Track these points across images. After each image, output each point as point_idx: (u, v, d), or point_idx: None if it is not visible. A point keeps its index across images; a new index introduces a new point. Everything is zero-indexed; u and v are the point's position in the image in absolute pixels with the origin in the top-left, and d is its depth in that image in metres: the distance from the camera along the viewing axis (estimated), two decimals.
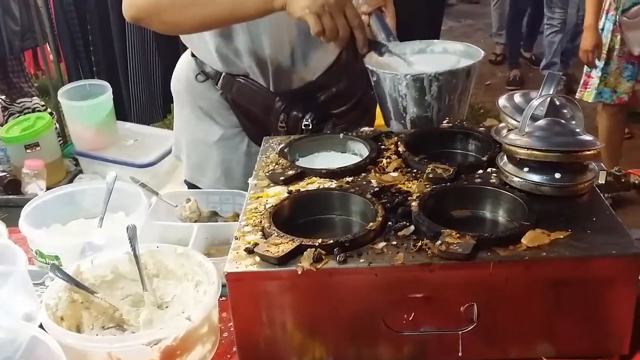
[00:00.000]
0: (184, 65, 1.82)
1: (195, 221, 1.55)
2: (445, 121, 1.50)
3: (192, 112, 1.80)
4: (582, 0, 4.92)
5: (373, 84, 1.54)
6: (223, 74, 1.69)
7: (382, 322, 1.07)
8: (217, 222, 1.56)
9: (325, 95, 1.72)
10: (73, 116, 3.30)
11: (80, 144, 3.35)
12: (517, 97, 1.40)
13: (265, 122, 1.69)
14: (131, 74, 3.70)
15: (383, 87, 1.44)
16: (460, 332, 1.08)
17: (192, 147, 1.84)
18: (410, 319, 1.07)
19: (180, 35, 1.78)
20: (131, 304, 1.29)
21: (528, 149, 1.19)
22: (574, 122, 1.32)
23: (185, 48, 1.83)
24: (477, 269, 1.04)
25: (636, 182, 1.37)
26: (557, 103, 1.33)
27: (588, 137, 1.21)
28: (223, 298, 1.18)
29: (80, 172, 3.41)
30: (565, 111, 1.34)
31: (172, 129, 3.97)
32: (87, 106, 3.21)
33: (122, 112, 3.66)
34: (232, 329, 1.29)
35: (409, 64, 1.53)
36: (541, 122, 1.24)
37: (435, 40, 1.63)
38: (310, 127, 1.63)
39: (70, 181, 3.32)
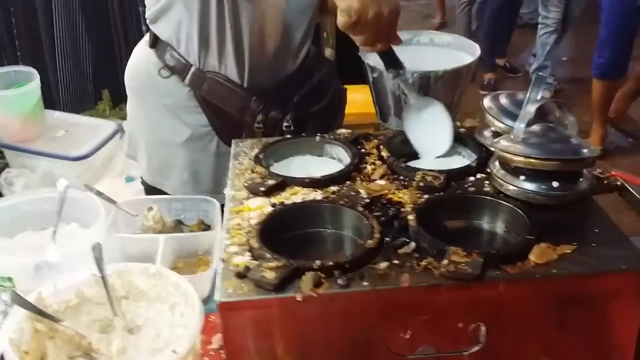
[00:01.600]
0: (141, 59, 1.66)
1: (160, 232, 1.43)
2: None
3: (154, 110, 1.65)
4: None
5: (372, 80, 1.49)
6: (192, 69, 1.55)
7: (386, 347, 1.01)
8: (182, 231, 1.45)
9: (302, 92, 1.62)
10: None
11: (5, 136, 3.09)
12: (503, 99, 1.35)
13: (239, 121, 1.58)
14: (59, 58, 3.45)
15: (385, 84, 1.42)
16: (466, 353, 1.03)
17: (154, 148, 1.69)
18: (414, 341, 1.01)
19: (149, 18, 1.61)
20: (100, 330, 1.17)
21: (525, 156, 1.14)
22: (559, 123, 1.29)
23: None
24: (486, 289, 0.99)
25: (618, 184, 1.36)
26: (545, 106, 1.29)
27: (584, 144, 1.17)
28: None
29: (7, 165, 3.16)
30: (552, 114, 1.31)
31: (104, 117, 3.78)
32: (13, 95, 2.95)
33: (49, 99, 3.40)
34: (211, 354, 1.20)
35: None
36: (535, 128, 1.20)
37: (422, 31, 1.60)
38: (292, 129, 1.53)
39: None
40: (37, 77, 3.06)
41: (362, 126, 3.34)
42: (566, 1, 4.85)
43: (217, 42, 1.52)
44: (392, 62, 1.40)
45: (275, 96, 1.57)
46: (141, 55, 1.66)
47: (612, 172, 1.36)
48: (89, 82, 3.63)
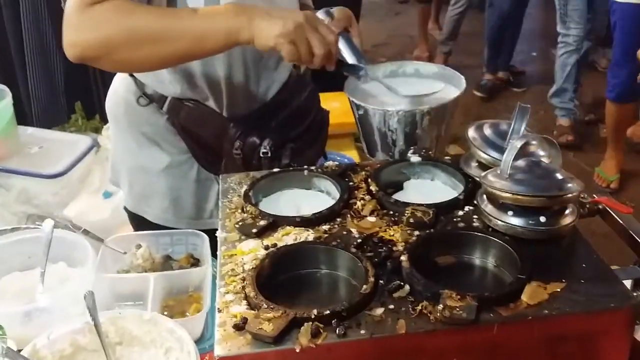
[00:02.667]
0: (120, 87, 1.64)
1: (149, 269, 1.43)
2: (410, 151, 1.45)
3: (133, 138, 1.65)
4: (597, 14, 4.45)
5: (358, 117, 1.49)
6: (169, 97, 1.55)
7: None
8: (172, 268, 1.45)
9: (281, 117, 1.62)
10: None
11: None
12: (487, 129, 1.37)
13: (218, 148, 1.57)
14: (30, 72, 3.39)
15: (371, 122, 1.42)
16: None
17: (135, 175, 1.68)
18: None
19: None
20: None
21: (512, 193, 1.17)
22: (543, 155, 1.31)
23: None
24: (480, 332, 1.01)
25: (600, 207, 1.39)
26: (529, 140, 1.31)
27: (569, 179, 1.20)
28: None
29: None
30: (533, 144, 1.33)
31: (78, 130, 3.73)
32: None
33: (21, 113, 3.34)
34: None
35: (393, 90, 1.51)
36: (521, 163, 1.22)
37: (406, 62, 1.63)
38: (269, 155, 1.53)
39: None
40: (9, 94, 3.00)
41: (340, 136, 3.34)
42: (589, 17, 4.42)
43: (188, 74, 1.53)
44: (348, 67, 1.47)
45: (254, 122, 1.57)
46: (120, 83, 1.65)
47: (595, 197, 1.39)
48: (61, 95, 3.58)
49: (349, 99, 1.52)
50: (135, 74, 1.58)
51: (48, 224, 1.41)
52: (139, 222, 1.71)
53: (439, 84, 1.56)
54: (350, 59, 1.51)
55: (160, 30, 1.31)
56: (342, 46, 1.51)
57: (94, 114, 3.85)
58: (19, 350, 1.13)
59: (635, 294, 1.17)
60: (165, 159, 1.63)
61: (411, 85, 1.53)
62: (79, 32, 1.31)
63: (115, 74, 1.69)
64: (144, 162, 1.65)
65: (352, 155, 3.41)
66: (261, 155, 1.53)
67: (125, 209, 1.78)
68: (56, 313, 1.28)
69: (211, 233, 1.52)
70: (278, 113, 1.63)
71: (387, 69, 1.57)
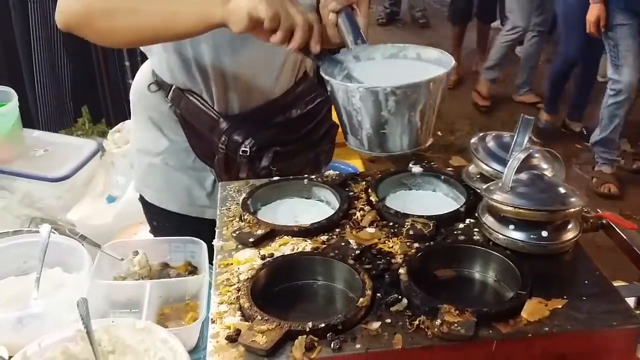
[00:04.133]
0: (140, 75, 1.73)
1: (146, 276, 1.41)
2: (411, 162, 1.43)
3: (142, 122, 1.72)
4: None
5: (329, 93, 1.35)
6: (173, 86, 1.59)
7: None
8: (169, 275, 1.43)
9: (276, 121, 1.62)
10: None
11: None
12: (490, 141, 1.35)
13: (210, 141, 1.60)
14: (38, 76, 3.40)
15: (337, 99, 1.29)
16: None
17: (139, 156, 1.76)
18: None
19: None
20: None
21: (514, 207, 1.14)
22: (546, 168, 1.29)
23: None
24: (479, 348, 0.99)
25: (604, 222, 1.37)
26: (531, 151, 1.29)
27: (572, 193, 1.17)
28: None
29: None
30: (536, 157, 1.31)
31: (84, 134, 3.72)
32: None
33: (28, 117, 3.35)
34: None
35: (354, 79, 1.35)
36: (523, 177, 1.20)
37: (409, 45, 1.43)
38: (248, 154, 1.52)
39: None
40: (15, 97, 3.00)
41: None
42: None
43: (187, 64, 1.55)
44: (332, 60, 1.34)
45: (245, 121, 1.58)
46: (143, 71, 1.72)
47: (599, 212, 1.36)
48: (67, 99, 3.58)
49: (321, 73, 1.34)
50: (150, 60, 1.64)
51: (45, 229, 1.40)
52: (143, 203, 1.79)
53: (438, 70, 1.36)
54: (347, 36, 1.40)
55: (135, 3, 1.32)
56: (342, 23, 1.41)
57: (101, 119, 3.86)
58: (10, 357, 1.12)
59: (638, 312, 1.14)
60: (164, 143, 1.68)
61: (408, 70, 1.39)
62: (67, 1, 1.37)
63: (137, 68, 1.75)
64: (146, 145, 1.72)
65: (357, 165, 3.39)
66: (240, 153, 1.54)
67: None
68: (49, 320, 1.27)
69: (203, 221, 1.65)
70: (274, 117, 1.63)
71: (386, 51, 1.42)
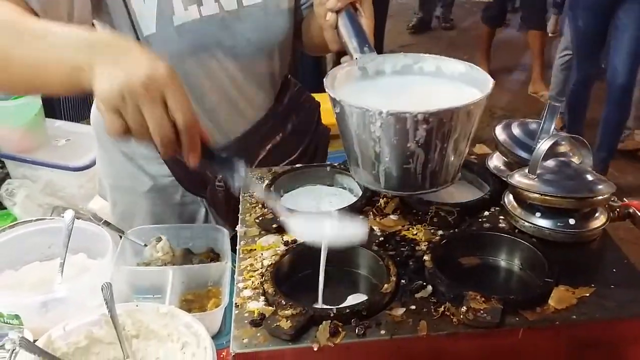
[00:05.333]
0: None
1: (169, 262, 1.41)
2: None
3: (115, 157, 1.57)
4: None
5: (335, 116, 1.13)
6: None
7: None
8: (192, 262, 1.43)
9: (270, 146, 1.53)
10: None
11: (6, 146, 3.07)
12: (515, 128, 1.33)
13: (202, 175, 1.50)
14: None
15: (349, 125, 1.07)
16: None
17: (118, 195, 1.63)
18: None
19: None
20: None
21: (541, 194, 1.13)
22: (573, 156, 1.27)
23: None
24: (505, 336, 0.98)
25: (631, 212, 1.34)
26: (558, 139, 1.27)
27: (600, 181, 1.15)
28: None
29: (7, 175, 3.14)
30: (563, 144, 1.29)
31: None
32: (14, 106, 2.92)
33: (50, 108, 3.38)
34: None
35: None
36: (550, 163, 1.18)
37: (427, 56, 1.23)
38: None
39: None
40: None
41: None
42: None
43: None
44: (223, 165, 1.06)
45: (237, 153, 1.39)
46: None
47: (625, 201, 1.34)
48: None
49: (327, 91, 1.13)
50: None
51: (69, 214, 1.40)
52: None
53: (464, 90, 1.17)
54: (350, 42, 1.20)
55: (2, 46, 1.03)
56: (343, 26, 1.22)
57: None
58: (35, 341, 1.13)
59: None
60: (148, 182, 1.56)
61: (422, 89, 1.19)
62: None
63: None
64: (127, 183, 1.59)
65: None
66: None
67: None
68: (73, 304, 1.27)
69: None
70: (265, 142, 1.54)
71: (398, 62, 1.21)
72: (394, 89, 1.19)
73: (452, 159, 1.11)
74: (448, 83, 1.19)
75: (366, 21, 1.24)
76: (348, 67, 1.19)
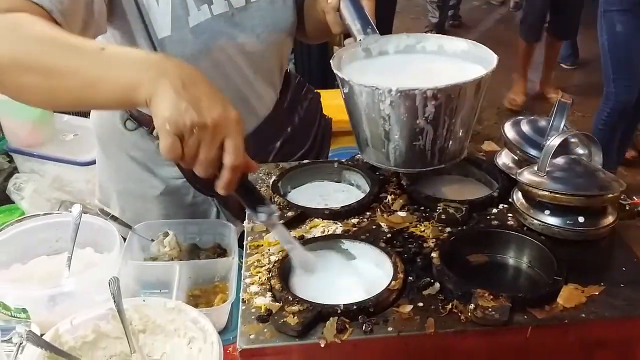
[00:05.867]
0: None
1: (175, 257, 1.41)
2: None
3: (122, 162, 1.56)
4: None
5: (344, 96, 1.14)
6: None
7: None
8: (199, 257, 1.43)
9: (283, 137, 1.54)
10: (6, 111, 3.02)
11: (14, 140, 3.08)
12: (524, 125, 1.32)
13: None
14: None
15: (358, 104, 1.08)
16: None
17: (127, 200, 1.60)
18: None
19: None
20: None
21: (550, 192, 1.12)
22: (583, 153, 1.26)
23: None
24: (513, 334, 0.97)
25: None
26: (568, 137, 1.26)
27: (610, 178, 1.15)
28: None
29: (15, 170, 3.15)
30: (573, 141, 1.28)
31: None
32: None
33: None
34: None
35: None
36: (560, 161, 1.17)
37: (429, 35, 1.27)
38: None
39: (6, 180, 3.06)
40: None
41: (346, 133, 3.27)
42: None
43: None
44: (254, 199, 1.05)
45: (251, 148, 1.46)
46: None
47: (635, 199, 1.33)
48: None
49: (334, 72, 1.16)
50: None
51: (76, 208, 1.40)
52: None
53: (467, 67, 1.19)
54: (354, 24, 1.20)
55: (49, 60, 1.03)
56: (345, 8, 1.23)
57: None
58: (42, 335, 1.13)
59: None
60: (159, 185, 1.54)
61: (425, 66, 1.21)
62: None
63: None
64: (136, 189, 1.57)
65: None
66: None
67: None
68: (81, 298, 1.27)
69: None
70: (276, 137, 1.54)
71: (401, 42, 1.23)
72: (397, 67, 1.21)
73: (460, 134, 1.14)
74: (451, 60, 1.22)
75: (368, 3, 1.25)
76: (352, 49, 1.21)
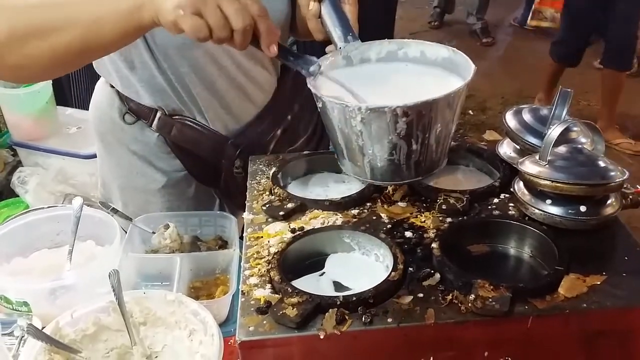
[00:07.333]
0: (103, 101, 1.54)
1: (176, 250, 1.41)
2: None
3: (122, 156, 1.55)
4: None
5: (319, 110, 1.14)
6: (158, 113, 1.44)
7: None
8: (200, 249, 1.43)
9: (284, 124, 1.53)
10: (9, 104, 3.02)
11: (17, 134, 3.09)
12: (526, 114, 1.31)
13: (216, 166, 1.49)
14: None
15: (331, 119, 1.08)
16: None
17: (128, 195, 1.59)
18: None
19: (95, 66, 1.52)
20: (118, 358, 1.15)
21: (552, 181, 1.11)
22: (585, 142, 1.25)
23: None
24: (514, 324, 0.97)
25: None
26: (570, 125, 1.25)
27: (612, 167, 1.13)
28: None
29: (19, 163, 3.15)
30: (575, 130, 1.27)
31: None
32: (25, 94, 2.93)
33: (61, 96, 3.38)
34: None
35: (354, 96, 1.12)
36: (561, 149, 1.16)
37: (410, 41, 1.22)
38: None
39: (9, 173, 3.07)
40: None
41: None
42: None
43: (163, 87, 1.41)
44: (296, 58, 1.10)
45: (252, 136, 1.47)
46: (103, 97, 1.54)
47: (638, 188, 1.32)
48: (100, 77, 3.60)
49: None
50: (114, 86, 1.48)
51: (77, 201, 1.40)
52: None
53: (447, 78, 1.18)
54: (334, 31, 1.19)
55: (44, 20, 1.06)
56: (327, 14, 1.20)
57: None
58: (43, 327, 1.13)
59: None
60: (161, 178, 1.53)
61: (406, 77, 1.19)
62: None
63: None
64: (138, 182, 1.56)
65: None
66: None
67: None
68: (82, 291, 1.27)
69: None
70: (276, 126, 1.52)
71: (382, 49, 1.21)
72: (378, 78, 1.20)
73: (436, 147, 1.13)
74: (432, 70, 1.20)
75: (350, 8, 1.23)
76: (332, 57, 1.20)
